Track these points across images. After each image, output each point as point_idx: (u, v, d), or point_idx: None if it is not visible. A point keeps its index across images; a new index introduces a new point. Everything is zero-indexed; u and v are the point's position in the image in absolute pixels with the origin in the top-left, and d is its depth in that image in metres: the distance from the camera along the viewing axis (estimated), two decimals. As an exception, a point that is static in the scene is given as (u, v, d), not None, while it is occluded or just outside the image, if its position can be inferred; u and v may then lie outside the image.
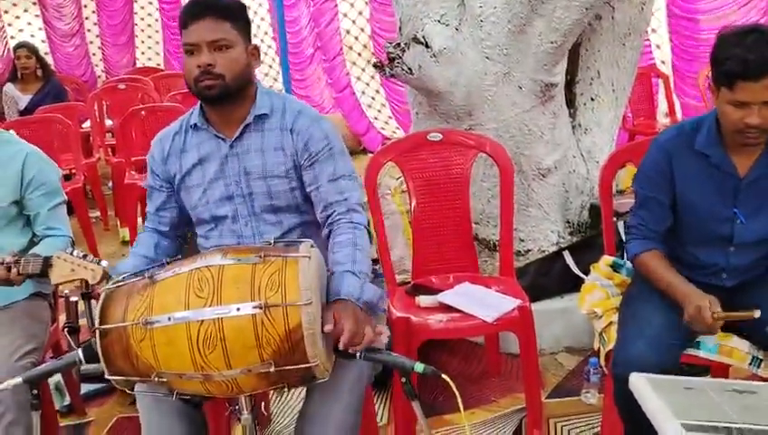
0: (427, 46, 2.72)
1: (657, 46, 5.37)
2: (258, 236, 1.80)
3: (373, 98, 6.61)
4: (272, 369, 1.41)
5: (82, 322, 2.81)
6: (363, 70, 6.52)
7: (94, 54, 8.07)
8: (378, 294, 1.68)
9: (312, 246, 1.52)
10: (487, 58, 2.75)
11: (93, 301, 2.85)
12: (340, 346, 1.48)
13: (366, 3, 6.26)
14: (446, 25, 2.78)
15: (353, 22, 6.46)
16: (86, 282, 2.79)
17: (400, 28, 2.92)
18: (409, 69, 2.72)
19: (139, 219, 4.39)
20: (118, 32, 8.01)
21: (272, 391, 2.21)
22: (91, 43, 8.04)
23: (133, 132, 4.57)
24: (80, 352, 1.54)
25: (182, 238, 1.96)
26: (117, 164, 4.84)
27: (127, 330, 1.44)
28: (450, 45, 2.72)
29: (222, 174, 1.80)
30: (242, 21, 1.76)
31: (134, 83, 5.62)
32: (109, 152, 5.40)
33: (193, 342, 1.40)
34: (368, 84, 6.58)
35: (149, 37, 8.05)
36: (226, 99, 1.74)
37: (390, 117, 6.57)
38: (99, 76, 8.09)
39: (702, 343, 1.86)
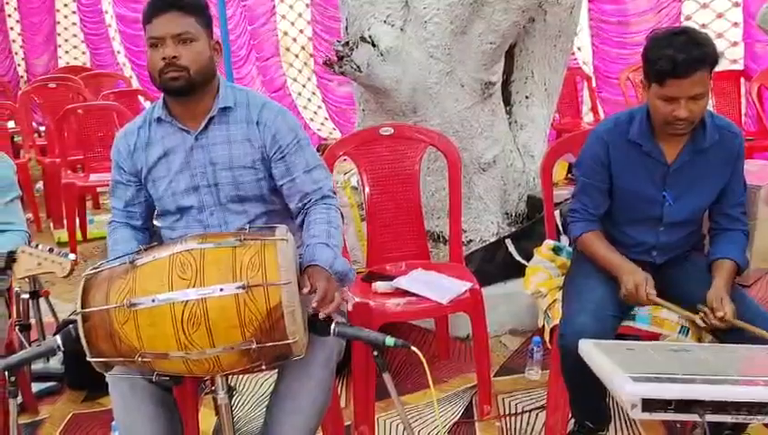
0: (373, 45, 2.83)
1: (578, 48, 5.68)
2: (224, 225, 1.87)
3: (309, 99, 6.67)
4: (253, 346, 1.48)
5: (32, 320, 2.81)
6: (300, 71, 6.57)
7: (16, 53, 7.77)
8: (348, 267, 1.78)
9: (287, 231, 1.61)
10: (431, 57, 2.89)
11: (42, 299, 2.85)
12: (312, 304, 1.57)
13: (306, 5, 6.32)
14: (392, 26, 2.90)
15: (292, 23, 6.50)
16: (34, 281, 2.77)
17: (347, 27, 3.03)
18: (358, 67, 2.83)
19: (77, 220, 4.32)
20: (38, 29, 7.74)
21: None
22: (14, 41, 7.75)
23: (66, 132, 4.48)
24: (58, 338, 1.57)
25: (152, 231, 1.99)
26: (50, 164, 4.72)
27: (110, 312, 1.48)
28: (396, 45, 2.85)
29: (187, 166, 1.84)
30: (205, 16, 1.82)
31: (64, 82, 5.48)
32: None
33: (177, 321, 1.45)
34: (304, 86, 6.63)
35: (74, 36, 7.81)
36: (191, 91, 1.78)
37: (327, 118, 6.65)
38: (21, 76, 7.80)
39: (637, 316, 2.05)
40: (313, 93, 6.60)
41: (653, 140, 1.97)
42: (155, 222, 1.99)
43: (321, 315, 1.59)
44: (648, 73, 1.88)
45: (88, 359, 1.53)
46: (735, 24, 4.93)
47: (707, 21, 5.03)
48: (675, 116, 1.85)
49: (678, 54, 1.77)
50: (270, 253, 1.51)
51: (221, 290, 1.46)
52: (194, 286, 1.46)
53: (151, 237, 1.96)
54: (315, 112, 6.69)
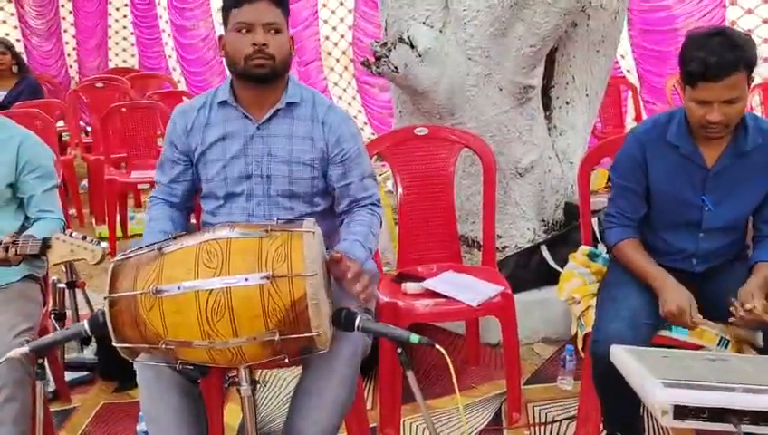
0: (412, 46, 2.82)
1: (622, 56, 5.58)
2: (268, 217, 1.87)
3: (349, 104, 6.71)
4: (276, 337, 1.47)
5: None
6: (341, 76, 6.61)
7: (69, 55, 8.02)
8: (374, 272, 1.77)
9: (314, 223, 1.60)
10: (470, 59, 2.86)
11: (78, 289, 2.91)
12: (349, 275, 1.58)
13: (350, 11, 6.37)
14: (431, 27, 2.89)
15: (333, 28, 6.56)
16: (71, 272, 2.83)
17: (386, 29, 3.03)
18: (395, 68, 2.82)
19: (118, 216, 4.41)
20: (92, 33, 7.98)
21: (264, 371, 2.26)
22: (67, 43, 7.99)
23: (111, 130, 4.59)
24: (85, 323, 1.58)
25: (190, 211, 2.02)
26: (94, 161, 4.84)
27: (136, 298, 1.49)
28: (434, 46, 2.83)
29: (244, 153, 1.87)
30: (287, 11, 1.86)
31: (112, 82, 5.62)
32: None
33: (201, 310, 1.45)
34: (345, 90, 6.67)
35: (124, 39, 8.02)
36: (272, 80, 1.82)
37: (366, 123, 6.67)
38: (72, 77, 8.04)
39: (674, 326, 1.97)
40: (354, 98, 6.63)
41: (692, 143, 1.91)
42: (200, 202, 2.01)
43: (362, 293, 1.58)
44: (682, 75, 1.82)
45: (113, 344, 1.54)
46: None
47: (753, 26, 4.90)
48: (707, 120, 1.78)
49: (710, 57, 1.71)
50: (296, 244, 1.50)
51: (246, 280, 1.46)
52: (219, 275, 1.46)
53: (188, 218, 1.99)
54: (354, 117, 6.72)
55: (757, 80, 4.57)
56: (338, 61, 6.65)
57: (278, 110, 1.86)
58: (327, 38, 6.60)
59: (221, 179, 1.89)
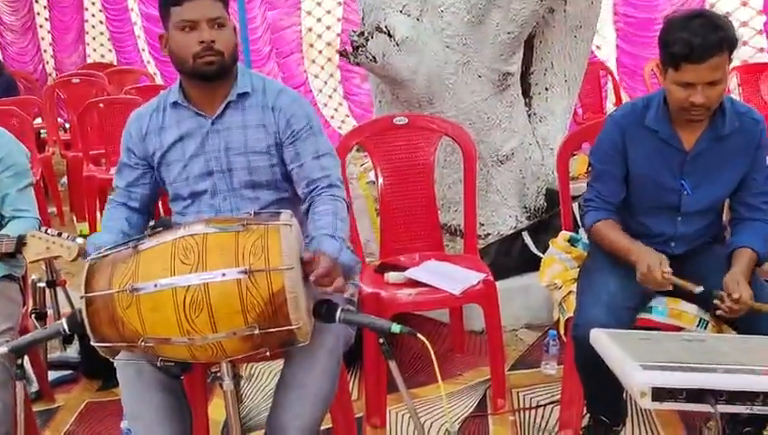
0: (389, 35, 2.81)
1: (598, 47, 5.58)
2: (236, 211, 1.86)
3: (330, 96, 6.68)
4: (256, 331, 1.46)
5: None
6: (322, 68, 6.58)
7: (45, 51, 7.91)
8: (354, 259, 1.76)
9: (291, 216, 1.59)
10: (447, 47, 2.85)
11: (59, 288, 2.88)
12: (312, 277, 1.55)
13: (339, 3, 6.34)
14: (408, 15, 2.88)
15: (318, 20, 6.52)
16: (51, 270, 2.80)
17: (363, 18, 3.01)
18: (373, 57, 2.80)
19: (98, 214, 4.37)
20: (68, 28, 7.86)
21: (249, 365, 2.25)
22: (43, 39, 7.88)
23: (89, 126, 4.53)
24: (64, 321, 1.57)
25: (150, 215, 2.00)
26: (73, 158, 4.78)
27: (113, 297, 1.47)
28: (412, 35, 2.82)
29: (202, 150, 1.85)
30: (227, 2, 1.82)
31: (89, 78, 5.55)
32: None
33: (179, 307, 1.44)
34: (326, 82, 6.65)
35: (101, 33, 7.91)
36: (222, 75, 1.79)
37: (348, 115, 6.65)
38: (49, 73, 7.93)
39: (654, 308, 1.99)
40: (334, 90, 6.60)
41: (670, 127, 1.91)
42: (169, 205, 2.00)
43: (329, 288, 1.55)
44: (663, 58, 1.82)
45: (92, 343, 1.52)
46: (760, 13, 4.82)
47: (732, 9, 4.93)
48: (691, 102, 1.79)
49: (694, 38, 1.71)
50: (273, 238, 1.50)
51: (223, 275, 1.45)
52: (196, 271, 1.45)
53: (147, 222, 1.97)
54: (336, 109, 6.69)
55: (735, 62, 4.61)
56: (320, 53, 6.61)
57: (230, 102, 1.84)
58: (310, 30, 6.57)
59: (183, 180, 1.87)
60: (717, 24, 1.74)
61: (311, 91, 6.68)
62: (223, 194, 1.87)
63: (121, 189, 1.94)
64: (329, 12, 6.47)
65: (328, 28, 6.53)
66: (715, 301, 1.80)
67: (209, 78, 1.78)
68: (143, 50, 7.59)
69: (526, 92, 3.28)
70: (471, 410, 2.42)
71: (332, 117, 6.73)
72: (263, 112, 1.85)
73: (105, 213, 1.95)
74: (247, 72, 1.90)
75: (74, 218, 4.86)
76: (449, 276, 2.29)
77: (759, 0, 4.88)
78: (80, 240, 1.84)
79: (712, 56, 1.72)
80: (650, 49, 5.17)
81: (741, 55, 4.85)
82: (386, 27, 2.82)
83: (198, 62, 1.74)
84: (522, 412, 2.39)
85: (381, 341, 1.60)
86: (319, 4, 6.49)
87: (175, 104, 1.86)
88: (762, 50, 4.94)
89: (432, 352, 1.51)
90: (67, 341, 2.90)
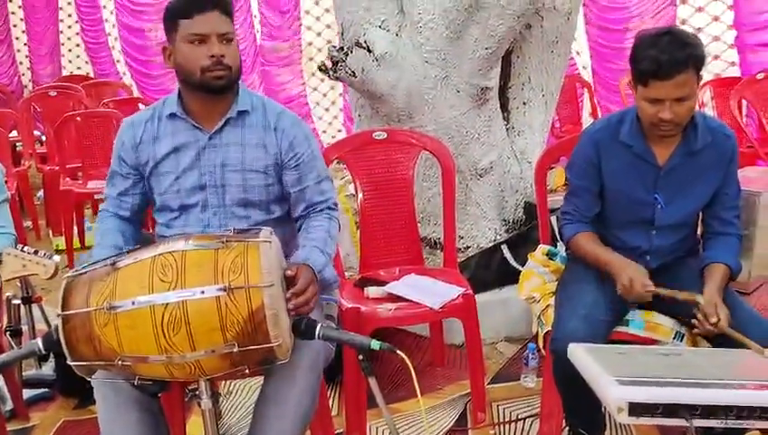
0: (369, 51, 2.83)
1: (578, 53, 5.67)
2: (224, 227, 1.85)
3: (327, 109, 6.78)
4: (235, 349, 1.46)
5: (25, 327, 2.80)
6: (322, 80, 6.66)
7: (21, 63, 7.81)
8: (335, 277, 1.77)
9: (271, 233, 1.59)
10: (426, 62, 2.87)
11: (34, 305, 2.84)
12: (288, 294, 1.57)
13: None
14: (387, 31, 2.90)
15: (318, 34, 6.63)
16: (26, 287, 2.76)
17: (342, 33, 3.02)
18: (353, 72, 2.82)
19: (75, 228, 4.32)
20: (42, 39, 7.77)
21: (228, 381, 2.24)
22: (19, 51, 7.78)
23: (66, 140, 4.49)
24: (39, 341, 1.55)
25: (141, 224, 1.99)
26: (50, 172, 4.73)
27: (90, 315, 1.46)
28: (391, 50, 2.84)
29: (197, 163, 1.85)
30: (233, 18, 1.84)
31: (65, 90, 5.50)
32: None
33: (157, 325, 1.43)
34: (324, 95, 6.74)
35: (77, 45, 7.84)
36: (228, 90, 1.81)
37: (339, 130, 6.74)
38: (25, 86, 7.83)
39: (630, 321, 2.02)
40: (333, 103, 6.66)
41: (644, 142, 1.95)
42: (154, 216, 1.99)
43: (290, 304, 1.57)
44: (633, 74, 1.86)
45: (69, 362, 1.50)
46: (731, 27, 4.93)
47: (703, 24, 5.03)
48: (660, 118, 1.82)
49: (661, 55, 1.75)
50: (253, 254, 1.49)
51: (202, 292, 1.44)
52: (174, 289, 1.44)
53: (139, 230, 1.96)
54: (330, 123, 6.82)
55: (708, 76, 4.70)
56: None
57: (229, 119, 1.85)
58: (310, 44, 6.68)
59: (174, 192, 1.87)
60: (686, 41, 1.78)
61: (307, 103, 6.75)
62: (213, 209, 1.87)
63: (113, 199, 1.94)
64: (329, 26, 6.56)
65: (329, 42, 6.61)
66: (693, 320, 1.83)
67: (216, 91, 1.80)
68: (118, 61, 7.54)
69: (504, 107, 3.31)
70: (451, 424, 2.43)
71: (325, 131, 6.84)
72: (264, 132, 1.86)
73: (98, 226, 1.94)
74: (247, 90, 1.91)
75: (50, 233, 4.80)
76: (429, 291, 2.30)
77: (729, 15, 4.98)
78: (56, 258, 1.82)
79: (679, 73, 1.76)
80: (625, 61, 5.27)
81: (713, 69, 4.95)
82: (365, 42, 2.84)
83: (207, 75, 1.75)
84: (502, 426, 2.40)
85: (361, 358, 1.60)
86: (318, 18, 6.60)
87: (172, 115, 1.86)
88: (733, 63, 5.03)
89: (411, 368, 1.52)
90: (42, 358, 2.85)
